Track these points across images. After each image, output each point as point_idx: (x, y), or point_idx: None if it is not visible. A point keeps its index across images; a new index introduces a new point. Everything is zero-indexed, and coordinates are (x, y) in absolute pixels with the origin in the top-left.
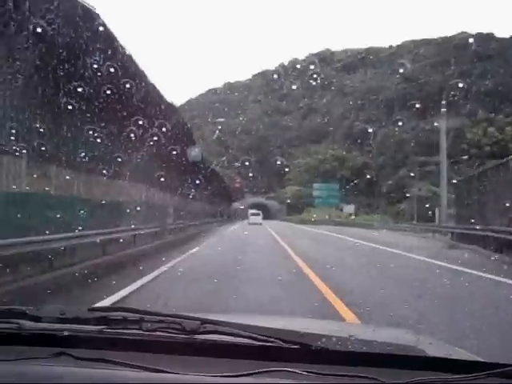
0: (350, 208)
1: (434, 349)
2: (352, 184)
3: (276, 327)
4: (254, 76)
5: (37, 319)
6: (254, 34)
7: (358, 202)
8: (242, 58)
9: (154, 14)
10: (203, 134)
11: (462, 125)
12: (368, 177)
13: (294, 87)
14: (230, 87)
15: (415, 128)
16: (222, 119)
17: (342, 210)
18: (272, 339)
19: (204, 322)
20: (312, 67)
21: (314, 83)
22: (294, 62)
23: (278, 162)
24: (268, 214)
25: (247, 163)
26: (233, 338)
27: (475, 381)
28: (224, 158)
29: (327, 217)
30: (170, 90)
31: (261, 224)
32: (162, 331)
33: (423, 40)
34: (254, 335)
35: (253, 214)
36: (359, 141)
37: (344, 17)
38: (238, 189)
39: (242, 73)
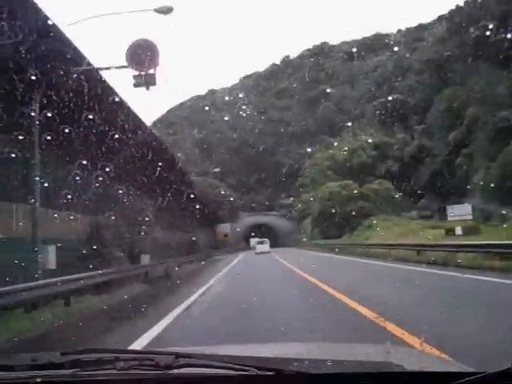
0: (463, 210)
1: (412, 362)
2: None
3: (251, 355)
4: (243, 79)
5: (9, 368)
6: (238, 38)
7: (427, 204)
8: (226, 64)
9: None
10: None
11: None
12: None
13: (290, 82)
14: (214, 93)
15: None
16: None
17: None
18: (247, 367)
19: (178, 355)
20: (312, 59)
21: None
22: (287, 60)
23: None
24: (274, 238)
25: (239, 172)
26: (208, 369)
27: None
28: (217, 169)
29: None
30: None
31: (269, 252)
32: (136, 369)
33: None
34: (229, 365)
35: (259, 243)
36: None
37: (332, 12)
38: (229, 206)
39: (228, 79)
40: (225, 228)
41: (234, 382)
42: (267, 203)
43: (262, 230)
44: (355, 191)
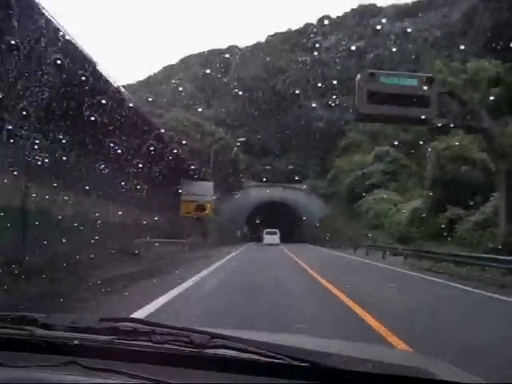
0: None
1: (443, 372)
2: None
3: (285, 344)
4: (271, 37)
5: (48, 327)
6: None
7: None
8: (253, 20)
9: None
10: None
11: None
12: None
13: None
14: (235, 49)
15: None
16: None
17: None
18: (280, 356)
19: (213, 336)
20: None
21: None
22: (327, 18)
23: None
24: (296, 227)
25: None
26: (241, 353)
27: None
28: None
29: None
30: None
31: (278, 245)
32: (171, 344)
33: None
34: (263, 351)
35: (268, 233)
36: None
37: None
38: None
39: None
40: (197, 191)
41: (267, 369)
42: (291, 171)
43: (275, 212)
44: None
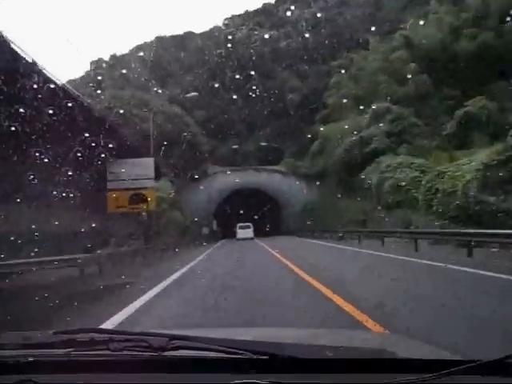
0: None
1: (405, 350)
2: None
3: (246, 339)
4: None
5: (0, 347)
6: None
7: None
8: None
9: None
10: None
11: None
12: None
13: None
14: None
15: None
16: None
17: None
18: (241, 351)
19: (172, 338)
20: None
21: None
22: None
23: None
24: (276, 217)
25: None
26: (202, 352)
27: (438, 380)
28: None
29: None
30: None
31: (252, 239)
32: (130, 350)
33: None
34: (223, 348)
35: (241, 228)
36: None
37: None
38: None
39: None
40: (131, 173)
41: (227, 365)
42: (264, 151)
43: (249, 202)
44: None
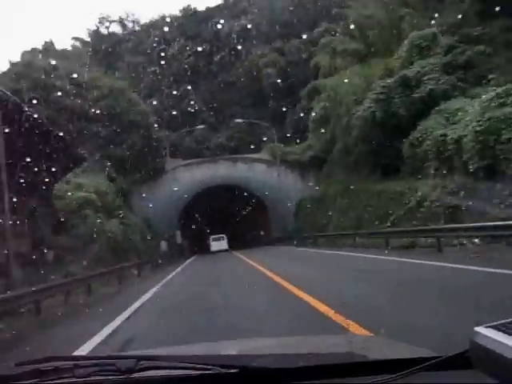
0: None
1: (374, 350)
2: None
3: (215, 353)
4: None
5: None
6: None
7: None
8: None
9: None
10: None
11: None
12: None
13: None
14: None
15: None
16: None
17: None
18: (210, 366)
19: (140, 358)
20: None
21: None
22: None
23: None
24: (264, 225)
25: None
26: (171, 371)
27: (402, 379)
28: None
29: None
30: None
31: (226, 250)
32: (97, 375)
33: None
34: (192, 365)
35: (215, 240)
36: None
37: None
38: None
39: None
40: None
41: (197, 382)
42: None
43: (224, 203)
44: None
